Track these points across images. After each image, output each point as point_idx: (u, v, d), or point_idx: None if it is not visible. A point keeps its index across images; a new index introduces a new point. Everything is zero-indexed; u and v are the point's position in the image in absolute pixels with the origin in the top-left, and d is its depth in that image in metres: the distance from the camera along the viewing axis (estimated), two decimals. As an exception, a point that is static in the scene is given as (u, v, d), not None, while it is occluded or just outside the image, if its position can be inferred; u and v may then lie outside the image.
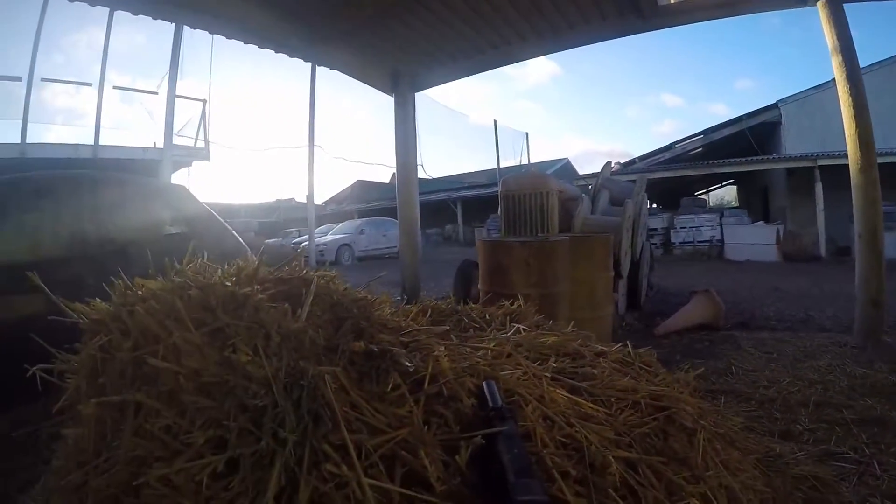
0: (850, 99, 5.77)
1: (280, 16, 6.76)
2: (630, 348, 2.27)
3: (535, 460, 1.31)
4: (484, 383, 1.42)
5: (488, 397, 1.36)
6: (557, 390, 1.61)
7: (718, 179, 32.91)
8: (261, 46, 7.29)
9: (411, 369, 1.39)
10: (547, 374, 1.70)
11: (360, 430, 1.21)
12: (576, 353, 1.98)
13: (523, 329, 2.19)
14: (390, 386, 1.34)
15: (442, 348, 1.54)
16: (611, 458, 1.39)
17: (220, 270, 1.69)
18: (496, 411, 1.31)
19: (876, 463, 2.83)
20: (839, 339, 5.82)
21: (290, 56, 7.75)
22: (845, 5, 5.96)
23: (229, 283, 1.53)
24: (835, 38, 5.87)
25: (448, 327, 2.10)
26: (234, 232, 5.47)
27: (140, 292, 1.58)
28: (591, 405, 1.61)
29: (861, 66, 5.99)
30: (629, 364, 2.11)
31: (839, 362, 4.80)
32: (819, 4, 6.02)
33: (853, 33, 5.92)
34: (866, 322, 5.70)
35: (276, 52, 7.52)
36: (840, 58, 5.82)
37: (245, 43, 7.09)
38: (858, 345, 5.46)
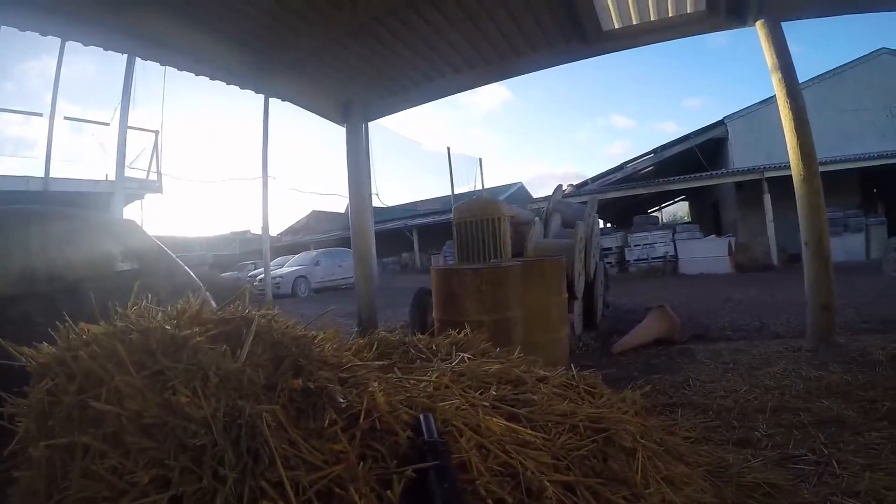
0: (791, 113, 5.96)
1: (230, 47, 6.75)
2: (574, 371, 2.29)
3: (470, 490, 1.33)
4: (421, 416, 1.44)
5: (424, 430, 1.38)
6: (495, 418, 1.63)
7: (670, 196, 33.60)
8: (212, 78, 7.26)
9: (344, 405, 1.41)
10: (486, 402, 1.72)
11: (298, 467, 1.24)
12: (518, 379, 2.01)
13: (468, 358, 2.21)
14: (327, 422, 1.35)
15: (376, 383, 1.55)
16: (546, 482, 1.41)
17: (160, 314, 1.70)
18: (429, 445, 1.32)
19: (835, 462, 2.87)
20: (793, 344, 5.90)
21: (242, 88, 7.73)
22: (783, 23, 6.18)
23: (169, 326, 1.55)
24: (774, 55, 6.08)
25: (393, 360, 2.11)
26: (185, 267, 5.39)
27: (84, 336, 1.60)
28: (529, 431, 1.64)
29: (801, 80, 6.20)
30: (573, 387, 2.14)
31: (794, 367, 4.86)
32: (758, 24, 6.23)
33: (794, 48, 6.14)
34: (818, 326, 5.83)
35: (227, 83, 7.50)
36: (780, 74, 6.02)
37: (196, 74, 7.06)
38: (812, 348, 5.56)
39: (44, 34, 5.64)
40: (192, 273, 5.43)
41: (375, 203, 24.91)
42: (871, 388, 4.11)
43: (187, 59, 6.79)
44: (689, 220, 33.37)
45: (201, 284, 5.16)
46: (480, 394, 1.81)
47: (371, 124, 9.58)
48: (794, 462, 2.95)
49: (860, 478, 2.66)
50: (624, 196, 22.50)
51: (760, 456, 3.01)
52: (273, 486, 1.17)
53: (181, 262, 5.43)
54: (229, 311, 1.75)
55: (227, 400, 1.33)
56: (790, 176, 6.18)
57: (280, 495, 1.16)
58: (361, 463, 1.30)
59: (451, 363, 2.11)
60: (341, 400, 1.41)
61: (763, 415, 3.75)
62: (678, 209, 43.32)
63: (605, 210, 25.59)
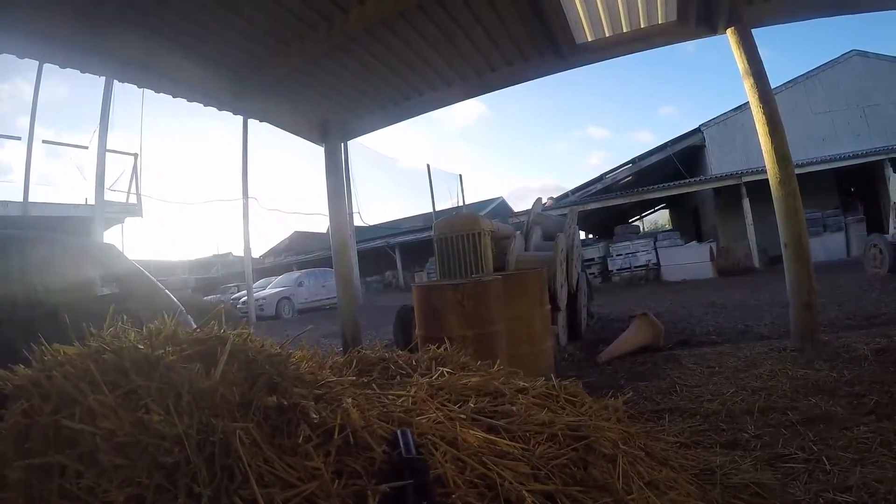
0: (764, 117, 6.04)
1: (207, 69, 6.72)
2: (555, 381, 2.28)
3: (449, 503, 1.32)
4: (398, 432, 1.44)
5: (402, 446, 1.37)
6: (472, 431, 1.62)
7: (651, 205, 33.87)
8: (189, 100, 7.22)
9: (316, 420, 1.40)
10: (463, 415, 1.71)
11: (272, 484, 1.23)
12: (496, 391, 2.00)
13: (448, 372, 2.20)
14: (301, 439, 1.35)
15: (350, 399, 1.54)
16: (525, 492, 1.40)
17: (134, 334, 1.69)
18: (406, 462, 1.31)
19: (825, 458, 2.86)
20: (778, 344, 5.91)
21: (219, 109, 7.68)
22: (753, 30, 6.28)
23: (142, 346, 1.54)
24: (745, 61, 6.16)
25: (373, 377, 2.10)
26: (166, 290, 5.36)
27: (59, 357, 1.61)
28: (508, 442, 1.63)
29: (774, 84, 6.27)
30: (553, 397, 2.13)
31: (780, 367, 4.86)
32: (728, 31, 6.32)
33: (764, 53, 6.22)
34: (802, 325, 5.86)
35: (205, 105, 7.46)
36: (752, 80, 6.10)
37: (174, 96, 7.02)
38: (797, 348, 5.56)
39: (21, 56, 5.58)
40: (172, 296, 5.39)
41: (357, 222, 24.94)
42: (858, 383, 4.13)
43: (164, 81, 6.74)
44: (670, 227, 33.59)
45: (182, 308, 5.13)
46: (459, 407, 1.80)
47: (351, 143, 9.57)
48: (783, 461, 2.94)
49: (851, 472, 2.66)
50: (604, 207, 22.63)
51: (749, 457, 3.00)
52: (249, 504, 1.17)
53: (162, 286, 5.39)
54: (204, 331, 1.74)
55: (200, 418, 1.34)
56: (768, 179, 6.25)
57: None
58: (336, 480, 1.29)
59: (430, 377, 2.10)
60: (314, 416, 1.40)
61: (751, 416, 3.74)
62: (659, 217, 43.62)
63: (587, 221, 25.74)
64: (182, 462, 1.24)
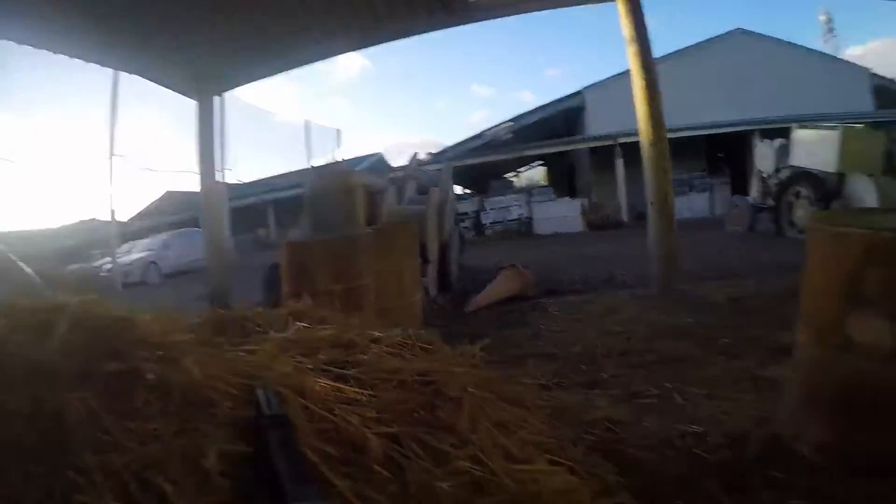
0: (644, 82, 6.38)
1: (75, 19, 6.23)
2: (411, 330, 2.35)
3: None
4: (258, 390, 1.44)
5: (263, 404, 1.38)
6: (320, 380, 1.65)
7: (528, 162, 34.65)
8: (54, 52, 6.69)
9: (153, 381, 1.38)
10: (311, 366, 1.74)
11: (111, 451, 1.19)
12: (349, 342, 2.04)
13: (304, 326, 2.22)
14: (141, 402, 1.33)
15: (192, 358, 1.53)
16: (369, 434, 1.45)
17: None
18: (269, 419, 1.33)
19: (677, 395, 3.10)
20: (640, 293, 6.31)
21: (86, 61, 7.20)
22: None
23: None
24: (632, 28, 6.43)
25: (228, 335, 2.08)
26: (20, 263, 5.03)
27: None
28: (355, 389, 1.67)
29: (660, 54, 6.56)
30: (408, 346, 2.19)
31: (640, 313, 5.19)
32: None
33: (653, 24, 6.49)
34: (662, 275, 6.28)
35: (71, 57, 6.93)
36: (636, 46, 6.41)
37: (36, 48, 6.47)
38: (657, 295, 5.94)
39: None
40: (28, 269, 5.08)
41: (232, 179, 23.89)
42: (712, 328, 4.44)
43: (26, 32, 6.22)
44: (547, 184, 34.55)
45: (41, 280, 4.85)
46: (310, 359, 1.83)
47: (227, 97, 9.15)
48: (639, 398, 3.15)
49: (701, 407, 2.89)
50: (483, 162, 22.97)
51: (606, 395, 3.18)
52: (85, 476, 1.13)
53: (16, 259, 5.07)
54: (47, 300, 1.66)
55: (32, 391, 1.27)
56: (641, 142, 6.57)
57: (93, 484, 1.12)
58: (178, 438, 1.28)
59: (285, 333, 2.11)
60: (151, 377, 1.38)
61: (610, 358, 3.97)
62: (535, 174, 44.54)
63: (464, 176, 26.11)
64: (12, 441, 1.19)
